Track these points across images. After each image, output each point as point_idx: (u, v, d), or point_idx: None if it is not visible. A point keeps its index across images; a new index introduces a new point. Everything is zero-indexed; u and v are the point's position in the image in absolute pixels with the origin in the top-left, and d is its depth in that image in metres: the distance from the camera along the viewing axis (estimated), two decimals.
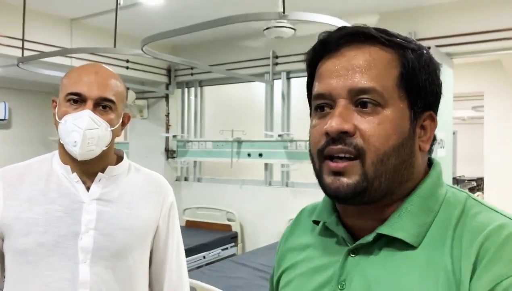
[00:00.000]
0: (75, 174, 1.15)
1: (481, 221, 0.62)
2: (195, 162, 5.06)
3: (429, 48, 2.74)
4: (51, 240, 1.10)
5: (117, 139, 1.21)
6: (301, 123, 4.43)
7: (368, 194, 0.64)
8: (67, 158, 1.15)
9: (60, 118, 1.12)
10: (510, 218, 0.62)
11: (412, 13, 3.67)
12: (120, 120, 1.19)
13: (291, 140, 4.28)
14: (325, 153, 0.65)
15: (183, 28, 2.42)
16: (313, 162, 0.69)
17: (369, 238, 0.66)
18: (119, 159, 1.25)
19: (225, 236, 4.41)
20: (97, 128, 1.10)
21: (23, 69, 3.39)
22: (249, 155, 4.54)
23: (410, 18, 3.67)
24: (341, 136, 0.63)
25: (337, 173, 0.64)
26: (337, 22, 2.33)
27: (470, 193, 0.68)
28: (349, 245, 0.69)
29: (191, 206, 4.90)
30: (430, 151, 0.71)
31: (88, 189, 1.16)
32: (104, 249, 1.13)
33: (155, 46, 2.84)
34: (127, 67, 4.50)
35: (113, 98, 1.14)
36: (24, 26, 3.20)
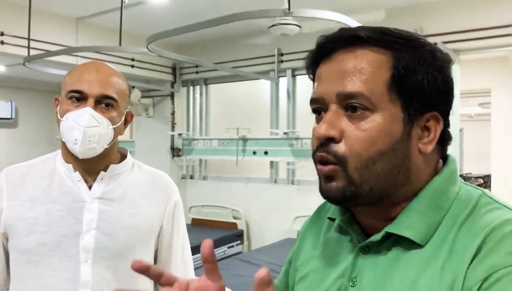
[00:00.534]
0: (77, 172, 1.14)
1: (490, 217, 0.61)
2: (200, 160, 5.06)
3: (435, 44, 2.71)
4: (52, 240, 1.09)
5: (122, 138, 1.20)
6: (306, 121, 4.42)
7: (361, 198, 0.65)
8: (69, 156, 1.14)
9: (61, 116, 1.11)
10: None
11: (418, 9, 3.64)
12: (123, 118, 1.17)
13: (297, 138, 4.27)
14: (315, 157, 0.67)
15: (188, 26, 2.41)
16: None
17: (378, 236, 0.66)
18: (123, 157, 1.23)
19: (231, 234, 4.41)
20: (98, 126, 1.09)
21: (29, 68, 3.40)
22: (254, 152, 4.53)
23: (416, 14, 3.64)
24: (327, 143, 0.64)
25: (327, 177, 0.65)
26: (343, 19, 2.32)
27: (486, 191, 0.67)
28: (360, 242, 0.70)
29: (197, 204, 4.90)
30: (445, 150, 0.70)
31: (90, 187, 1.15)
32: (105, 248, 1.12)
33: (160, 45, 2.84)
34: (133, 66, 4.51)
35: (114, 95, 1.12)
36: (30, 25, 3.21)
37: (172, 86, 5.09)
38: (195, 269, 1.35)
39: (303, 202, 4.24)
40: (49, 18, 3.86)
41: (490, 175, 7.78)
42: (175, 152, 5.14)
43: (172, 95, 5.14)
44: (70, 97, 1.11)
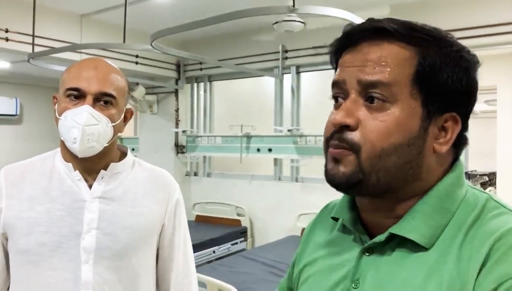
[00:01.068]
0: (77, 171, 1.13)
1: (497, 223, 0.60)
2: (204, 157, 5.06)
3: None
4: (53, 240, 1.08)
5: (126, 134, 1.19)
6: (310, 118, 4.41)
7: (366, 187, 0.64)
8: (69, 155, 1.12)
9: (60, 115, 1.09)
10: None
11: (424, 5, 3.62)
12: (122, 116, 1.15)
13: (301, 135, 4.26)
14: (329, 144, 0.66)
15: (192, 23, 2.40)
16: (323, 148, 0.70)
17: (382, 237, 0.66)
18: (123, 155, 1.22)
19: (235, 231, 4.42)
20: (97, 124, 1.07)
21: (34, 65, 3.41)
22: (258, 150, 4.53)
23: (422, 11, 3.61)
24: (342, 130, 0.64)
25: (335, 159, 0.65)
26: (348, 16, 2.30)
27: (493, 195, 0.66)
28: (364, 243, 0.69)
29: (201, 201, 4.91)
30: (459, 153, 0.69)
31: (90, 187, 1.13)
32: (106, 248, 1.11)
33: (164, 41, 2.83)
34: (137, 63, 4.51)
35: (113, 93, 1.10)
36: (35, 22, 3.22)
37: (176, 83, 5.09)
38: (197, 266, 1.35)
39: (307, 199, 4.23)
40: (54, 15, 3.86)
41: (495, 172, 7.74)
42: (179, 148, 5.14)
43: (176, 92, 5.14)
44: (68, 95, 1.09)
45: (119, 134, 1.19)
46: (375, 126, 0.63)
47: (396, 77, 0.63)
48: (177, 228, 1.23)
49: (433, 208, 0.64)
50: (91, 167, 1.14)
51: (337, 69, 0.69)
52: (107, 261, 1.10)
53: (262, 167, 4.85)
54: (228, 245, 4.21)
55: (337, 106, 0.68)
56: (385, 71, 0.63)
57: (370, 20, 0.67)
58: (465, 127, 0.67)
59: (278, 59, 4.39)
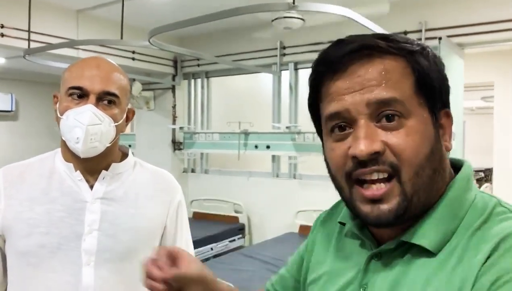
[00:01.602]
0: (78, 172, 1.10)
1: (503, 226, 0.60)
2: (202, 154, 5.04)
3: (440, 38, 2.65)
4: (53, 241, 1.05)
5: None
6: (309, 115, 4.39)
7: (409, 213, 0.62)
8: (70, 155, 1.10)
9: (61, 114, 1.06)
10: None
11: (423, 2, 3.61)
12: (124, 116, 1.13)
13: (299, 132, 4.25)
14: (354, 176, 0.63)
15: (190, 19, 2.38)
16: (339, 186, 0.67)
17: (392, 245, 0.66)
18: (124, 155, 1.19)
19: (233, 227, 4.41)
20: (100, 123, 1.05)
21: (30, 61, 3.37)
22: (256, 146, 4.51)
23: (421, 8, 3.60)
24: (372, 158, 0.60)
25: (375, 201, 0.62)
26: (348, 13, 2.29)
27: (501, 199, 0.65)
28: (372, 249, 0.69)
29: (198, 198, 4.89)
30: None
31: (91, 187, 1.11)
32: (108, 250, 1.08)
33: (161, 37, 2.80)
34: (133, 58, 4.47)
35: (116, 92, 1.08)
36: (30, 17, 3.18)
37: (173, 79, 5.06)
38: None
39: (305, 196, 4.23)
40: (49, 10, 3.82)
41: (491, 168, 7.77)
42: (176, 145, 5.12)
43: (173, 88, 5.11)
44: (70, 94, 1.06)
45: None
46: (404, 144, 0.60)
47: (404, 90, 0.62)
48: (179, 230, 1.22)
49: (443, 214, 0.64)
50: (92, 167, 1.11)
51: (327, 99, 0.65)
52: (108, 264, 1.08)
53: (259, 163, 4.84)
54: (226, 242, 4.20)
55: (340, 137, 0.64)
56: (393, 87, 0.61)
57: (347, 42, 0.64)
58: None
59: (276, 55, 4.37)
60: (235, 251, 3.75)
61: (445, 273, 0.60)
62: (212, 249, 4.00)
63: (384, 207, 0.61)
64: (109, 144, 1.09)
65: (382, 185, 0.61)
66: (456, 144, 3.44)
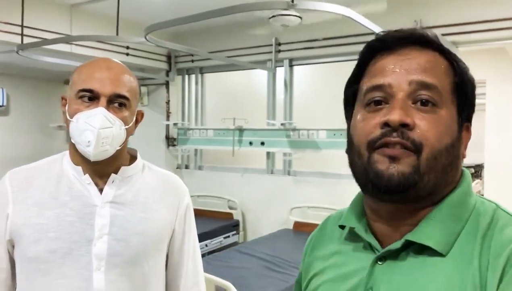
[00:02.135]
0: (87, 175, 1.09)
1: (508, 234, 0.62)
2: (196, 150, 5.03)
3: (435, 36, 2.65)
4: (63, 246, 1.04)
5: None
6: (303, 112, 4.40)
7: (417, 189, 0.64)
8: (79, 158, 1.09)
9: (71, 117, 1.05)
10: None
11: (418, 1, 3.62)
12: (134, 118, 1.12)
13: (294, 129, 4.25)
14: (379, 144, 0.65)
15: (188, 17, 2.37)
16: (356, 155, 0.68)
17: (398, 244, 0.66)
18: (132, 158, 1.18)
19: (227, 224, 4.41)
20: (111, 127, 1.03)
21: (23, 56, 3.33)
22: (251, 143, 4.51)
23: (417, 6, 3.61)
24: (400, 129, 0.64)
25: (393, 159, 0.64)
26: (346, 12, 2.29)
27: (499, 204, 0.69)
28: (376, 251, 0.69)
29: (192, 194, 4.84)
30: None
31: (100, 191, 1.09)
32: (118, 255, 1.07)
33: (155, 33, 2.78)
34: (127, 54, 4.44)
35: (127, 94, 1.07)
36: (23, 12, 3.13)
37: (167, 75, 5.03)
38: None
39: (299, 193, 4.25)
40: (43, 5, 3.76)
41: (481, 164, 7.86)
42: (170, 141, 5.10)
43: (167, 84, 5.08)
44: (81, 97, 1.05)
45: None
46: (431, 128, 0.64)
47: (444, 83, 0.67)
48: (187, 234, 1.21)
49: (447, 215, 0.66)
50: (102, 170, 1.10)
51: (372, 73, 0.69)
52: (119, 268, 1.07)
53: (254, 160, 4.84)
54: (220, 238, 4.20)
55: (375, 110, 0.67)
56: (436, 75, 0.66)
57: (405, 30, 0.70)
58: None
59: (271, 52, 4.36)
60: (231, 248, 3.76)
61: (455, 276, 0.61)
62: (206, 245, 4.00)
63: (399, 167, 0.63)
64: (119, 147, 1.08)
65: (402, 150, 0.64)
66: None
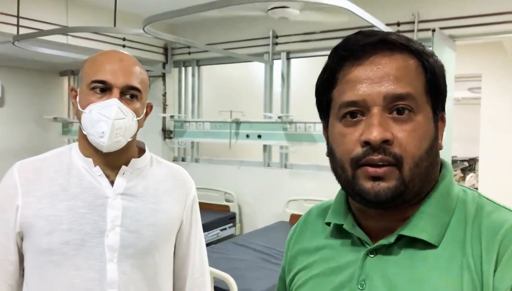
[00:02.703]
0: (97, 167, 1.09)
1: (496, 219, 0.64)
2: (192, 143, 5.02)
3: (433, 30, 2.67)
4: (76, 238, 1.04)
5: None
6: (300, 104, 4.40)
7: (405, 196, 0.66)
8: (89, 150, 1.09)
9: (83, 108, 1.05)
10: None
11: None
12: (144, 110, 1.13)
13: (291, 122, 4.26)
14: (363, 162, 0.65)
15: (187, 8, 2.35)
16: (340, 168, 0.69)
17: (391, 239, 0.68)
18: (141, 151, 1.19)
19: (223, 216, 4.42)
20: (124, 118, 1.04)
21: (19, 47, 3.30)
22: (247, 136, 4.51)
23: (414, 0, 3.62)
24: (381, 146, 0.64)
25: (376, 178, 0.65)
26: (344, 4, 2.29)
27: (480, 192, 0.71)
28: (366, 245, 0.70)
29: None
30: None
31: (111, 183, 1.10)
32: (130, 246, 1.08)
33: (152, 25, 2.76)
34: (124, 46, 4.41)
35: (138, 86, 1.08)
36: (19, 2, 3.10)
37: (164, 67, 5.01)
38: None
39: (295, 185, 4.26)
40: None
41: (475, 158, 7.91)
42: (167, 134, 5.08)
43: (163, 76, 5.06)
44: (93, 88, 1.05)
45: None
46: (409, 138, 0.65)
47: (417, 88, 0.66)
48: (193, 225, 1.22)
49: (437, 207, 0.68)
50: (112, 162, 1.10)
51: (345, 85, 0.67)
52: (131, 259, 1.08)
53: (250, 153, 4.84)
54: (217, 230, 4.22)
55: (352, 123, 0.67)
56: (409, 83, 0.65)
57: (371, 34, 0.68)
58: None
59: (268, 44, 4.35)
60: (227, 240, 3.77)
61: (450, 265, 0.63)
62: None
63: (384, 184, 0.65)
64: (130, 139, 1.09)
65: (385, 167, 0.65)
66: (445, 134, 3.49)
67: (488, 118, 5.34)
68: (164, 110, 5.04)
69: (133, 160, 1.14)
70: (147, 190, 1.14)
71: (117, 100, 1.03)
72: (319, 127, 4.08)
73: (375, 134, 0.63)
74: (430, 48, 0.72)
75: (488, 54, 5.13)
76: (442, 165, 0.73)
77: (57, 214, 1.05)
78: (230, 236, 4.26)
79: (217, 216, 4.34)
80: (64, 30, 3.34)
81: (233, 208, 4.57)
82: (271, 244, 3.37)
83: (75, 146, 1.14)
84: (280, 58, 4.39)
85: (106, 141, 1.03)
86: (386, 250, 0.68)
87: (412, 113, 0.65)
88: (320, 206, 0.86)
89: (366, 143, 0.64)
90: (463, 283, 0.61)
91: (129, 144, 1.10)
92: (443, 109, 0.71)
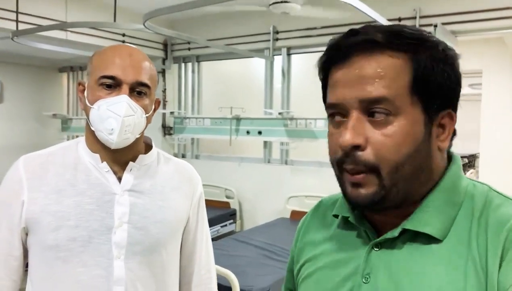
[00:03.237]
0: (104, 163, 1.07)
1: (504, 212, 0.63)
2: (192, 139, 5.01)
3: (435, 26, 2.65)
4: (83, 234, 1.02)
5: None
6: (301, 101, 4.39)
7: (387, 201, 0.65)
8: (97, 146, 1.07)
9: (91, 103, 1.03)
10: None
11: None
12: (153, 106, 1.11)
13: (291, 118, 4.24)
14: (344, 166, 0.66)
15: (188, 3, 2.34)
16: (332, 165, 0.70)
17: (395, 233, 0.67)
18: (148, 147, 1.17)
19: (224, 213, 4.41)
20: (134, 115, 1.02)
21: (17, 43, 3.28)
22: (248, 132, 4.49)
23: None
24: (352, 152, 0.64)
25: (356, 184, 0.66)
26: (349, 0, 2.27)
27: (491, 185, 0.69)
28: (371, 239, 0.70)
29: None
30: (450, 145, 0.71)
31: (119, 179, 1.08)
32: (138, 243, 1.06)
33: (151, 20, 2.74)
34: (123, 41, 4.38)
35: (148, 82, 1.05)
36: None
37: (163, 63, 4.99)
38: None
39: (296, 182, 4.25)
40: None
41: (475, 154, 7.91)
42: (167, 130, 5.07)
43: (163, 72, 5.03)
44: (102, 84, 1.03)
45: None
46: (385, 142, 0.63)
47: (397, 89, 0.63)
48: (200, 222, 1.21)
49: (442, 201, 0.66)
50: (120, 158, 1.09)
51: (330, 87, 0.69)
52: (138, 256, 1.07)
53: (251, 149, 4.83)
54: (217, 227, 4.21)
55: (336, 124, 0.67)
56: (385, 85, 0.63)
57: (354, 32, 0.66)
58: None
59: (269, 40, 4.33)
60: (228, 236, 3.76)
61: (454, 260, 0.62)
62: None
63: (362, 191, 0.65)
64: (138, 136, 1.08)
65: (362, 174, 0.65)
66: None
67: (488, 114, 5.33)
68: (164, 107, 5.02)
69: (140, 156, 1.12)
70: (155, 187, 1.13)
71: (127, 97, 1.02)
72: (320, 123, 4.08)
73: (345, 138, 0.63)
74: (435, 39, 0.66)
75: (489, 50, 5.11)
76: (451, 158, 0.71)
77: (64, 210, 1.03)
78: (231, 233, 4.26)
79: (217, 213, 4.33)
80: (64, 26, 3.32)
81: (234, 205, 4.57)
82: (272, 240, 3.37)
83: (82, 140, 1.12)
84: (280, 54, 4.37)
85: (116, 139, 1.02)
86: (391, 244, 0.67)
87: (390, 117, 0.63)
88: (331, 198, 0.85)
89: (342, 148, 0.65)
90: (467, 277, 0.60)
91: (136, 141, 1.08)
92: (446, 107, 0.67)
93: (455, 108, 0.68)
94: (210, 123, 4.76)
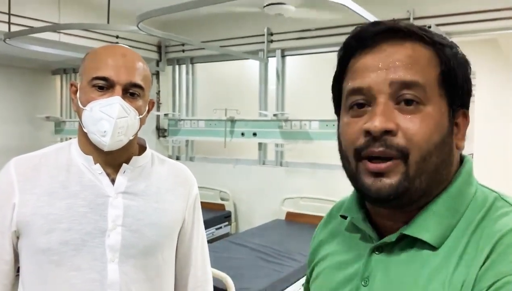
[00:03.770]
0: (98, 165, 1.06)
1: (502, 223, 0.60)
2: (187, 141, 4.99)
3: (429, 27, 2.67)
4: (76, 238, 1.00)
5: None
6: (296, 102, 4.39)
7: (409, 194, 0.63)
8: (90, 147, 1.05)
9: (84, 105, 1.01)
10: None
11: None
12: (147, 107, 1.09)
13: (286, 120, 4.24)
14: (364, 154, 0.63)
15: (182, 4, 2.32)
16: (345, 160, 0.67)
17: (392, 238, 0.66)
18: (142, 148, 1.15)
19: (219, 215, 4.39)
20: (127, 116, 1.00)
21: (10, 45, 3.25)
22: (243, 134, 4.48)
23: None
24: (383, 136, 0.61)
25: (378, 174, 0.62)
26: (342, 0, 2.27)
27: (502, 193, 0.66)
28: (374, 242, 0.69)
29: None
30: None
31: (112, 181, 1.06)
32: (132, 246, 1.05)
33: (145, 22, 2.73)
34: (117, 44, 4.36)
35: (141, 83, 1.04)
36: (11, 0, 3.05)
37: (157, 65, 4.97)
38: None
39: (291, 183, 4.24)
40: None
41: (470, 155, 7.95)
42: (161, 132, 5.05)
43: (157, 74, 5.02)
44: (94, 85, 1.01)
45: None
46: (418, 129, 0.61)
47: (428, 77, 0.63)
48: (195, 224, 1.20)
49: (445, 208, 0.65)
50: (113, 160, 1.07)
51: (352, 74, 0.66)
52: (133, 260, 1.05)
53: (246, 151, 4.82)
54: (212, 229, 4.19)
55: (358, 113, 0.65)
56: (418, 71, 0.62)
57: (381, 23, 0.66)
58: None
59: (263, 42, 4.33)
60: (223, 239, 3.75)
61: (446, 270, 0.60)
62: None
63: (386, 181, 0.62)
64: (132, 137, 1.06)
65: (388, 162, 0.62)
66: None
67: (482, 115, 5.35)
68: (158, 109, 5.01)
69: (134, 158, 1.10)
70: (149, 188, 1.11)
71: (120, 99, 1.00)
72: (315, 125, 4.07)
73: (376, 124, 0.60)
74: (450, 40, 0.67)
75: (483, 52, 5.13)
76: (462, 162, 0.69)
77: (56, 212, 1.01)
78: (226, 235, 4.24)
79: (212, 215, 4.31)
80: (57, 27, 3.29)
81: (229, 207, 4.55)
82: (267, 242, 3.36)
83: (74, 142, 1.10)
84: (275, 56, 4.36)
85: (108, 141, 1.00)
86: (390, 249, 0.66)
87: (421, 105, 0.62)
88: (343, 200, 0.84)
89: (368, 133, 0.62)
90: (452, 288, 0.58)
91: (130, 142, 1.07)
92: (464, 106, 0.67)
93: (468, 109, 0.69)
94: (204, 125, 4.75)
